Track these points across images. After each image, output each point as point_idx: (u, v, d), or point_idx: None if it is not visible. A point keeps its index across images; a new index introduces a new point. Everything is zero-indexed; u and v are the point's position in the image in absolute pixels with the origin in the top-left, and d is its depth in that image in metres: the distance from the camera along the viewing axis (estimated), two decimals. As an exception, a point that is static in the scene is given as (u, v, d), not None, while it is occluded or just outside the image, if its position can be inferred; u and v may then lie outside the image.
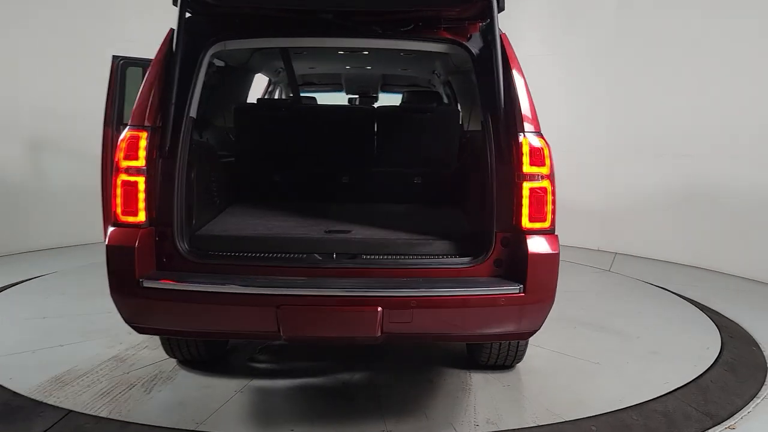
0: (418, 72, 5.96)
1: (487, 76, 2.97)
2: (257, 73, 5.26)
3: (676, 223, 6.83)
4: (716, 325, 4.84)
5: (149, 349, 4.05)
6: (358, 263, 2.94)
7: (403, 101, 4.51)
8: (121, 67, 4.82)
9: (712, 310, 5.27)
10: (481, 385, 3.76)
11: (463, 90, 4.83)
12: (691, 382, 3.86)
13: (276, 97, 6.35)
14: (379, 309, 2.76)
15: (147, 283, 2.80)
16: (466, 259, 2.95)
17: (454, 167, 4.21)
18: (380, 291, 2.78)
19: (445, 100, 5.77)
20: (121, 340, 4.32)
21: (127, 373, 3.84)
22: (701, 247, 6.50)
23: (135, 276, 2.80)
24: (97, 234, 5.40)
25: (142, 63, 4.92)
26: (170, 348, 3.64)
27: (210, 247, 3.04)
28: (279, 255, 3.01)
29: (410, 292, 2.78)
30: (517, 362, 3.88)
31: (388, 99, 7.28)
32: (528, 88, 2.98)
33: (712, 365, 4.10)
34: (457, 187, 4.08)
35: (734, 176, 6.10)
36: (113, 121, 4.79)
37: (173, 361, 3.84)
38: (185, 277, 2.86)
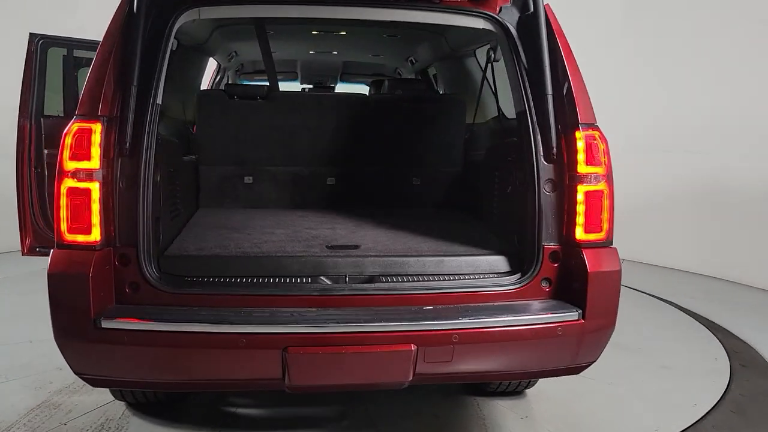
0: (389, 59, 5.43)
1: (528, 54, 2.49)
2: (211, 56, 4.57)
3: (686, 227, 6.35)
4: (716, 338, 4.64)
5: (88, 389, 3.30)
6: (379, 288, 2.39)
7: (394, 90, 3.96)
8: (41, 47, 4.03)
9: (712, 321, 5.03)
10: (496, 419, 3.29)
11: (457, 77, 4.33)
12: (720, 400, 3.55)
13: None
14: (413, 347, 2.23)
15: (106, 323, 2.16)
16: (511, 279, 2.47)
17: (460, 165, 3.71)
18: (414, 324, 2.25)
19: None
20: (50, 378, 3.54)
21: (65, 424, 3.10)
22: (712, 255, 6.17)
23: (90, 314, 2.15)
24: (13, 243, 4.65)
25: (67, 43, 4.15)
26: (119, 390, 2.94)
27: (186, 270, 2.40)
28: (276, 280, 2.41)
29: (451, 323, 2.27)
30: (529, 388, 3.44)
31: (346, 90, 6.73)
32: (579, 69, 2.52)
33: (730, 380, 3.82)
34: (469, 188, 3.59)
35: (749, 176, 5.82)
36: (31, 111, 4.02)
37: (121, 405, 3.17)
38: (158, 313, 2.23)
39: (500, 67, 3.56)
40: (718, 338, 4.63)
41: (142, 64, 2.30)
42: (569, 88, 2.49)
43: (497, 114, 3.74)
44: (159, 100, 2.36)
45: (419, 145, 3.62)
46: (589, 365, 2.54)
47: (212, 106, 3.44)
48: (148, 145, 2.30)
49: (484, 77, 3.55)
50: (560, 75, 2.52)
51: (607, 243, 2.49)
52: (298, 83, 6.52)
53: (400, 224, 3.22)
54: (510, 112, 3.69)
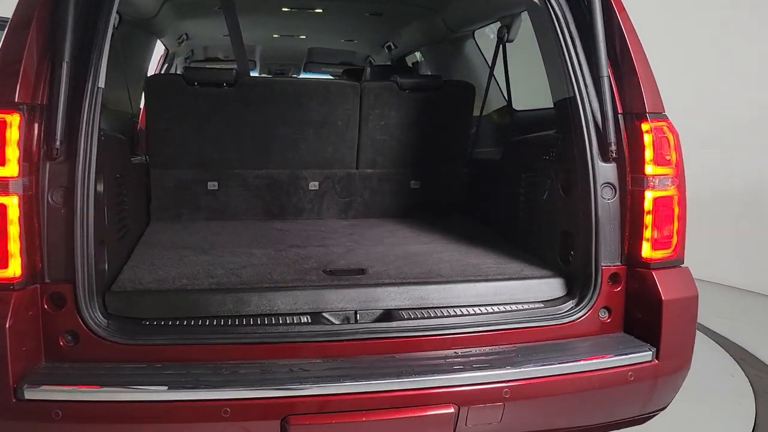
0: (363, 44, 4.89)
1: (577, 26, 2.04)
2: (159, 38, 3.91)
3: (726, 234, 5.59)
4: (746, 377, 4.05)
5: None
6: (400, 329, 1.87)
7: (387, 77, 3.40)
8: None
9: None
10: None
11: (452, 63, 3.81)
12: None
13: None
14: (453, 409, 1.72)
15: (31, 393, 1.59)
16: (562, 309, 2.00)
17: (466, 165, 3.21)
18: (453, 377, 1.75)
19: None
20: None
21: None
22: (754, 267, 5.43)
23: (7, 381, 1.58)
24: None
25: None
26: None
27: (142, 312, 1.83)
28: (266, 320, 1.86)
29: (501, 374, 1.77)
30: None
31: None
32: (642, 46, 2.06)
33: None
34: (481, 193, 3.09)
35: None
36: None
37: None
38: (106, 375, 1.67)
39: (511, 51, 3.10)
40: (748, 377, 4.01)
41: (77, 32, 1.70)
42: (631, 69, 2.02)
43: (506, 104, 3.26)
44: (101, 83, 1.76)
45: (418, 141, 3.09)
46: (658, 413, 2.08)
47: (166, 95, 2.82)
48: (87, 143, 1.72)
49: (494, 61, 3.06)
50: (619, 52, 2.05)
51: (678, 262, 2.05)
52: (256, 73, 5.89)
53: (406, 238, 2.69)
54: (518, 102, 3.26)
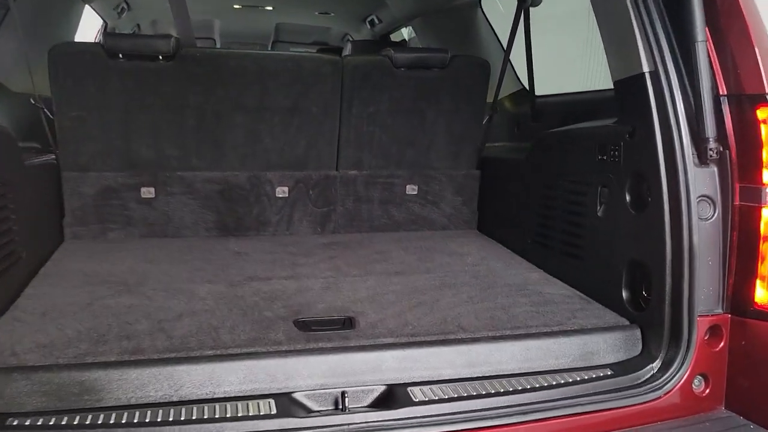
0: (339, 19, 4.24)
1: None
2: (87, 2, 3.20)
3: None
4: None
5: None
6: (412, 419, 1.26)
7: (375, 51, 2.73)
8: None
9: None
10: None
11: (454, 37, 3.16)
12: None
13: None
14: None
15: None
16: (643, 376, 1.46)
17: (476, 165, 2.59)
18: None
19: None
20: None
21: None
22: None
23: None
24: None
25: None
26: None
27: (8, 402, 1.19)
28: (205, 412, 1.24)
29: None
30: None
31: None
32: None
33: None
34: (497, 201, 2.47)
35: None
36: None
37: None
38: None
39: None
40: None
41: None
42: (741, 32, 1.44)
43: (521, 88, 2.66)
44: None
45: (417, 134, 2.46)
46: None
47: (79, 70, 2.13)
48: None
49: (515, 30, 2.43)
50: (721, 9, 1.46)
51: (799, 308, 1.47)
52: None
53: (404, 264, 2.07)
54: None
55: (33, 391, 1.22)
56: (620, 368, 1.48)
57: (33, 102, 2.13)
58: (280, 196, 2.41)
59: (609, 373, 1.47)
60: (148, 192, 2.29)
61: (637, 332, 1.54)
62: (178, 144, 2.28)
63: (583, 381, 1.43)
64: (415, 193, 2.54)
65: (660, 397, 1.41)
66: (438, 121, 2.48)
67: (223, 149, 2.33)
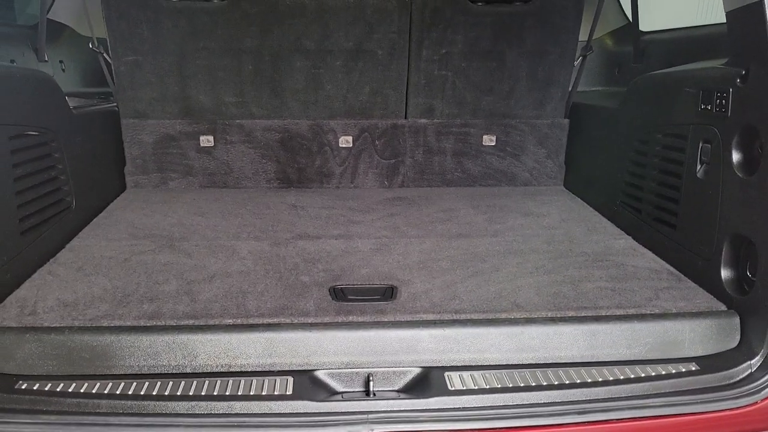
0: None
1: None
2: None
3: None
4: None
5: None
6: (447, 411, 1.12)
7: None
8: None
9: None
10: None
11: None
12: None
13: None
14: None
15: None
16: (738, 373, 1.27)
17: (564, 112, 2.33)
18: None
19: None
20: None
21: None
22: None
23: None
24: None
25: None
26: None
27: (19, 364, 1.17)
28: (216, 387, 1.15)
29: None
30: None
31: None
32: None
33: None
34: (588, 155, 2.22)
35: None
36: None
37: None
38: None
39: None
40: None
41: None
42: None
43: (626, 23, 2.34)
44: None
45: (496, 78, 2.23)
46: None
47: (133, 13, 2.07)
48: None
49: None
50: None
51: None
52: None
53: (470, 224, 1.89)
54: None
55: (45, 354, 1.18)
56: (709, 363, 1.25)
57: (91, 47, 2.10)
58: (344, 146, 2.27)
59: (694, 368, 1.24)
60: (206, 140, 2.23)
61: (736, 320, 1.29)
62: (235, 90, 2.19)
63: (659, 377, 1.22)
64: (493, 144, 2.32)
65: (757, 403, 1.17)
66: (520, 64, 2.22)
67: (283, 96, 2.21)
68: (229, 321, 1.26)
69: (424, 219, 1.95)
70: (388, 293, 1.40)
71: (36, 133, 1.58)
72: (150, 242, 1.70)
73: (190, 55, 2.13)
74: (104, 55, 2.14)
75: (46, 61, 2.15)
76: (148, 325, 1.24)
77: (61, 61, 2.29)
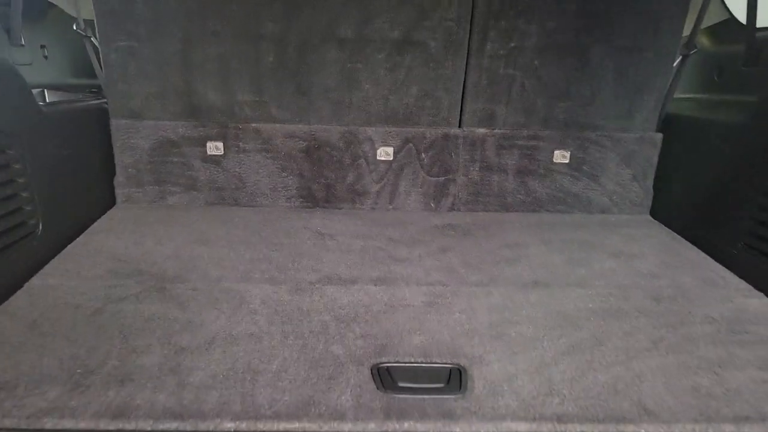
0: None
1: None
2: None
3: None
4: None
5: None
6: None
7: None
8: None
9: None
10: None
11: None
12: None
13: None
14: None
15: None
16: None
17: (657, 125, 1.92)
18: None
19: None
20: None
21: None
22: None
23: None
24: None
25: None
26: None
27: None
28: None
29: None
30: None
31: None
32: None
33: None
34: (697, 180, 1.81)
35: None
36: None
37: None
38: None
39: None
40: None
41: None
42: None
43: (732, 16, 1.94)
44: None
45: (573, 80, 1.83)
46: None
47: None
48: None
49: None
50: None
51: None
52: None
53: (548, 266, 1.49)
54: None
55: None
56: None
57: (75, 28, 1.74)
58: (383, 159, 1.89)
59: None
60: (215, 147, 1.86)
61: None
62: (252, 86, 1.81)
63: None
64: (567, 161, 1.92)
65: None
66: (606, 63, 1.82)
67: (310, 95, 1.83)
68: (230, 426, 0.88)
69: (486, 258, 1.55)
70: (456, 379, 1.01)
71: None
72: (134, 283, 1.33)
73: (196, 41, 1.75)
74: (92, 39, 1.78)
75: (22, 45, 1.79)
76: (109, 429, 0.86)
77: (43, 47, 1.93)
